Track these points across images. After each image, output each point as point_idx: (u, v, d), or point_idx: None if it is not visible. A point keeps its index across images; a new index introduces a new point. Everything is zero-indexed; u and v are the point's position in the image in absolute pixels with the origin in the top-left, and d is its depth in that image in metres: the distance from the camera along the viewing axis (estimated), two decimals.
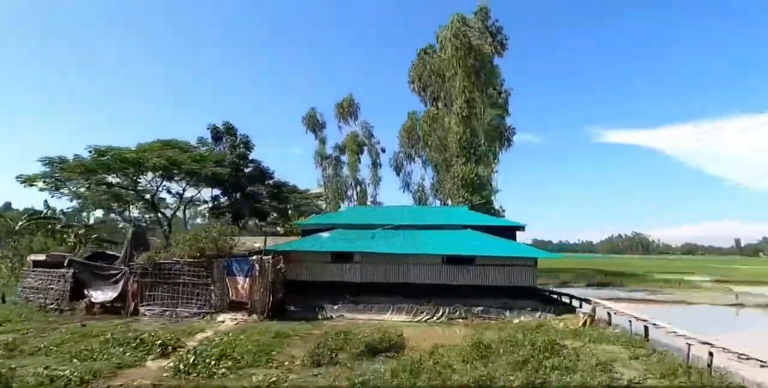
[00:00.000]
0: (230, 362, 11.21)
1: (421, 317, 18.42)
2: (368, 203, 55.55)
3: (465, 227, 21.72)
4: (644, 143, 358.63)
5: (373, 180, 56.91)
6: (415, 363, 11.07)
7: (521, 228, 22.32)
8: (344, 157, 58.22)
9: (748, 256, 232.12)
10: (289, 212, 44.09)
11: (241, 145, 36.79)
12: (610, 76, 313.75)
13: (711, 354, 10.74)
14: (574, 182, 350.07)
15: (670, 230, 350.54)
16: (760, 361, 9.70)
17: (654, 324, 13.58)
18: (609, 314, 16.97)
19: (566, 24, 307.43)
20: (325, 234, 21.57)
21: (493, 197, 55.84)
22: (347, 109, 53.96)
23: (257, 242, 21.48)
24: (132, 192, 30.98)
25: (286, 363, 11.57)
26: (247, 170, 37.78)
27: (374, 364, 11.25)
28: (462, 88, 28.67)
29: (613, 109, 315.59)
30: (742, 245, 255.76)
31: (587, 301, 18.70)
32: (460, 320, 18.06)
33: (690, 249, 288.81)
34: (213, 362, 11.00)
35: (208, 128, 39.85)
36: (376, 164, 57.32)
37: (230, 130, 39.51)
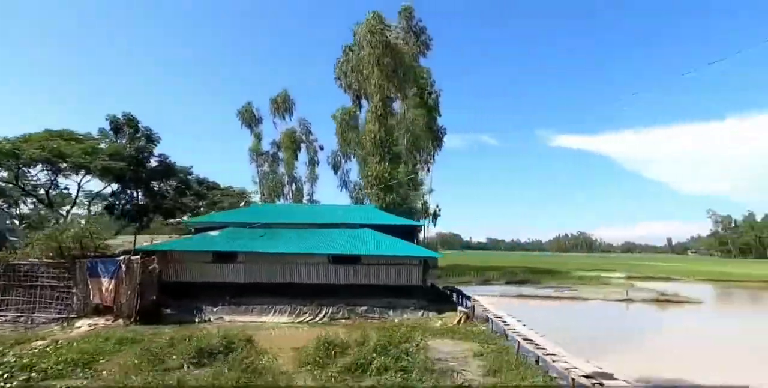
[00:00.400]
0: (33, 374, 10.18)
1: (303, 318, 17.96)
2: (304, 201, 54.52)
3: (363, 226, 21.50)
4: (590, 148, 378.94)
5: (310, 178, 55.90)
6: (247, 368, 10.57)
7: (418, 227, 22.42)
8: (282, 154, 56.85)
9: (678, 254, 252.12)
10: (202, 209, 41.86)
11: (143, 138, 34.16)
12: (560, 82, 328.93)
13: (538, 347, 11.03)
14: (527, 183, 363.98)
15: (612, 230, 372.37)
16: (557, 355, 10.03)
17: (504, 322, 13.87)
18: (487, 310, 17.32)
19: (522, 34, 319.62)
20: (213, 233, 20.59)
21: (427, 197, 56.65)
22: (282, 105, 52.51)
23: (147, 242, 20.18)
24: (17, 186, 28.14)
25: (105, 372, 10.69)
26: (151, 165, 35.36)
27: (201, 369, 10.66)
28: (378, 86, 28.54)
29: (562, 114, 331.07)
30: (674, 243, 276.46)
31: (470, 298, 19.02)
32: (342, 320, 17.79)
33: (629, 248, 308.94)
34: (6, 375, 9.93)
35: (107, 119, 36.18)
36: (313, 162, 56.33)
37: (131, 121, 35.95)
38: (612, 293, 28.91)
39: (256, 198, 55.00)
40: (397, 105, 36.15)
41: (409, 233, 22.24)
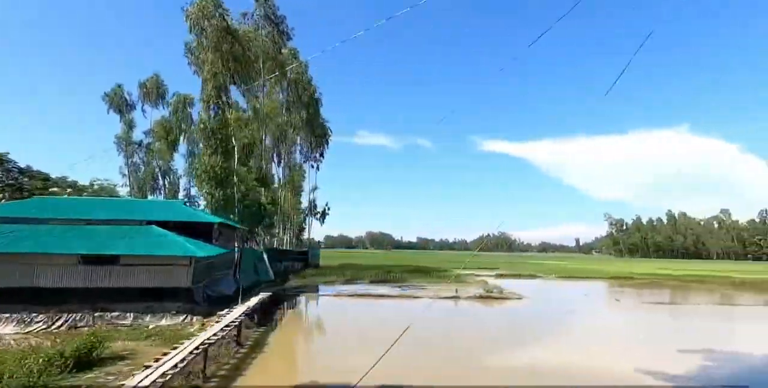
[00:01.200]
0: None
1: (35, 328, 15.54)
2: (180, 196, 50.57)
3: (151, 223, 19.42)
4: (517, 154, 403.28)
5: (188, 171, 51.98)
6: None
7: (212, 224, 20.81)
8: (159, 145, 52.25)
9: (585, 253, 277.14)
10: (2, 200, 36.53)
11: None
12: (491, 89, 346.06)
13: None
14: (458, 185, 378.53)
15: (533, 231, 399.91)
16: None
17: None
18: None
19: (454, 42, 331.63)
20: None
21: (312, 195, 55.38)
22: (153, 91, 48.14)
23: None
24: None
25: None
26: None
27: None
28: (212, 73, 26.55)
29: (492, 121, 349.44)
30: (581, 244, 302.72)
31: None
32: (86, 328, 15.65)
33: (544, 248, 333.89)
34: None
35: None
36: (193, 154, 52.52)
37: None
38: (444, 291, 29.52)
39: (123, 191, 50.01)
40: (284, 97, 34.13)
41: (203, 230, 20.62)
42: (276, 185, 42.26)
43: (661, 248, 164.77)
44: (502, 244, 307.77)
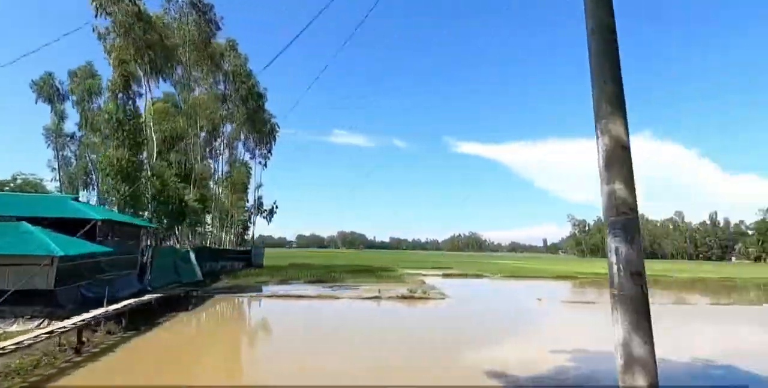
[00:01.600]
0: None
1: None
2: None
3: (22, 219, 17.80)
4: (489, 156, 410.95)
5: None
6: None
7: (94, 221, 19.31)
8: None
9: (553, 253, 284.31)
10: None
11: None
12: (466, 91, 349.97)
13: None
14: (432, 186, 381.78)
15: (505, 231, 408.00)
16: None
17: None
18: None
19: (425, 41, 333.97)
20: None
21: (258, 192, 53.85)
22: (84, 80, 45.46)
23: None
24: None
25: None
26: None
27: None
28: (118, 59, 24.95)
29: (466, 123, 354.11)
30: (548, 244, 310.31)
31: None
32: None
33: (513, 248, 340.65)
34: None
35: None
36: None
37: None
38: (373, 291, 28.91)
39: (51, 186, 47.08)
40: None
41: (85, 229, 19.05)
42: (212, 182, 40.63)
43: None
44: (472, 244, 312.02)
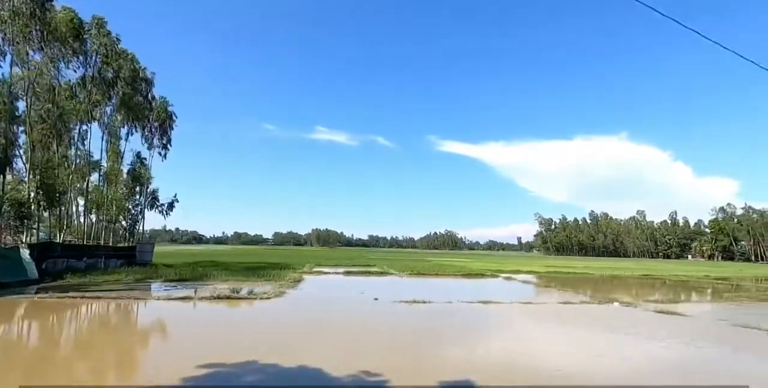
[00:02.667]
0: None
1: None
2: None
3: None
4: (471, 155, 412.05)
5: None
6: None
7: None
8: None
9: (527, 251, 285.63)
10: None
11: None
12: (451, 90, 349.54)
13: None
14: (412, 184, 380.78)
15: (481, 229, 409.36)
16: None
17: None
18: None
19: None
20: None
21: (150, 186, 50.69)
22: None
23: None
24: None
25: None
26: None
27: None
28: None
29: (449, 122, 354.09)
30: (523, 242, 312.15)
31: None
32: None
33: (490, 245, 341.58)
34: None
35: None
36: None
37: None
38: (207, 291, 26.29)
39: None
40: None
41: None
42: (68, 171, 37.38)
43: (584, 247, 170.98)
44: (447, 242, 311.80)
